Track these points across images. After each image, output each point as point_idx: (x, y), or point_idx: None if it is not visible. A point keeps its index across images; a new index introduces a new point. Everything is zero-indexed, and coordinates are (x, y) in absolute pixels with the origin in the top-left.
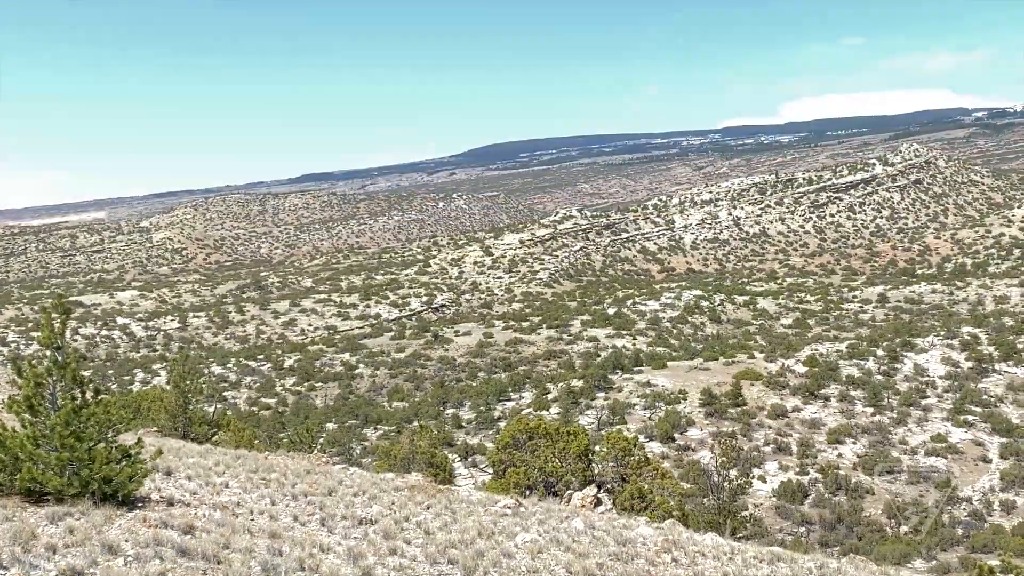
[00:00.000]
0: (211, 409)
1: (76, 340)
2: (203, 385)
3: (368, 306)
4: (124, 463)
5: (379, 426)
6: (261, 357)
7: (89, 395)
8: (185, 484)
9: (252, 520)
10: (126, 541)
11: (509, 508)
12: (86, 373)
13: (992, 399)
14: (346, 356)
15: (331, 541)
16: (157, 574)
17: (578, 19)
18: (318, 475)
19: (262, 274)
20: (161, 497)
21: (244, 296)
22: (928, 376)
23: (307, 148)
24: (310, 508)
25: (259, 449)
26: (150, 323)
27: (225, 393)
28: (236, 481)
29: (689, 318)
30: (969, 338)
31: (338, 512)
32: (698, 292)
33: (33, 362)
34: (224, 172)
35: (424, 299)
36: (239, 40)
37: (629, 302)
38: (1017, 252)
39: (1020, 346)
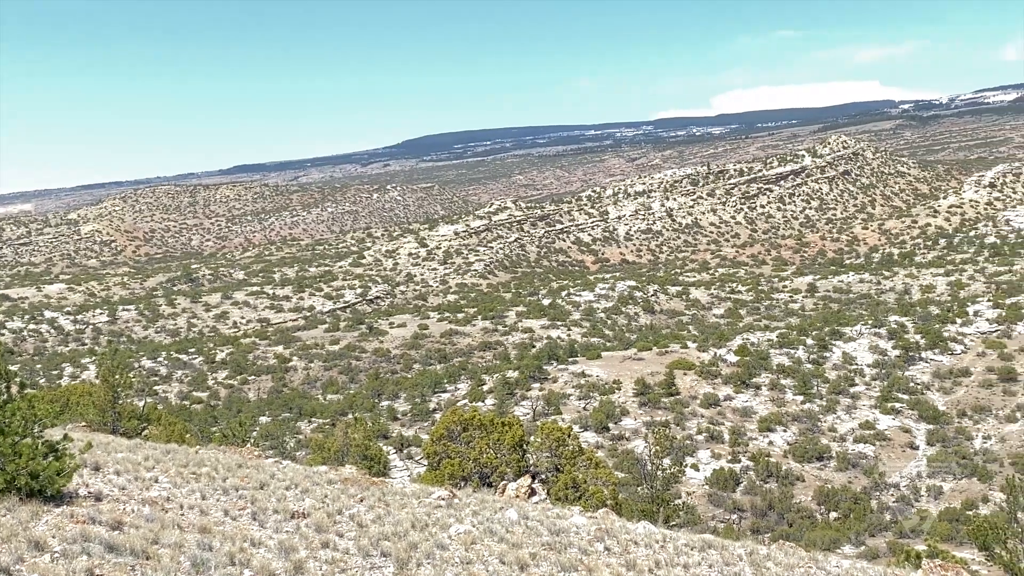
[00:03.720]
0: (141, 403)
1: (3, 334)
2: (133, 379)
3: (302, 298)
4: (51, 458)
5: (313, 419)
6: (192, 350)
7: (15, 389)
8: (114, 479)
9: (182, 515)
10: (53, 537)
11: (443, 500)
12: (12, 367)
13: (919, 386)
14: (279, 349)
15: (262, 535)
16: (84, 570)
17: (511, 11)
18: (250, 469)
19: (193, 266)
20: (89, 492)
21: (175, 289)
22: (856, 364)
23: (239, 139)
24: (241, 502)
25: (190, 443)
26: (79, 317)
27: (156, 387)
28: (166, 476)
29: (623, 308)
30: (896, 327)
31: (270, 506)
32: (632, 283)
33: None
34: (154, 163)
35: (358, 291)
36: (168, 30)
37: (564, 293)
38: (943, 242)
39: (946, 334)
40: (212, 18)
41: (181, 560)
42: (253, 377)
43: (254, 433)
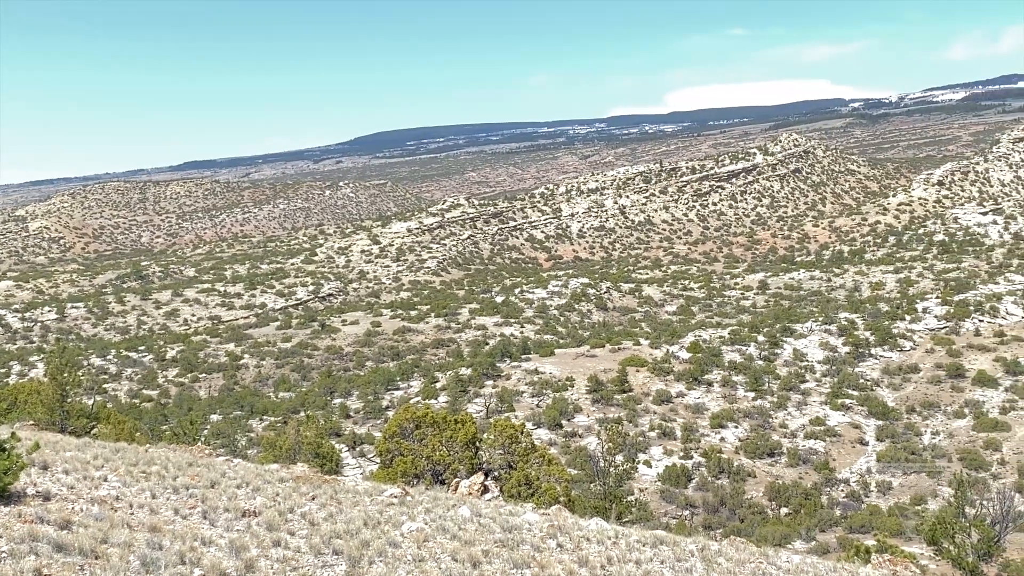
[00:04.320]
0: (90, 402)
1: None
2: (82, 377)
3: (253, 295)
4: None
5: (265, 417)
6: (142, 348)
7: None
8: (62, 478)
9: (132, 514)
10: (0, 537)
11: (396, 497)
12: None
13: (868, 383)
14: (231, 346)
15: (213, 534)
16: (32, 570)
17: (466, 7)
18: (200, 467)
19: (143, 263)
20: (37, 492)
21: (124, 286)
22: (807, 361)
23: (189, 135)
24: (192, 501)
25: (140, 442)
26: (27, 314)
27: (105, 385)
28: (115, 475)
29: (576, 305)
30: (846, 323)
31: (221, 504)
32: (585, 280)
33: None
34: (103, 159)
35: (311, 288)
36: (115, 24)
37: (517, 290)
38: (892, 239)
39: (895, 331)
40: (160, 11)
41: (131, 559)
42: (204, 375)
43: (205, 431)
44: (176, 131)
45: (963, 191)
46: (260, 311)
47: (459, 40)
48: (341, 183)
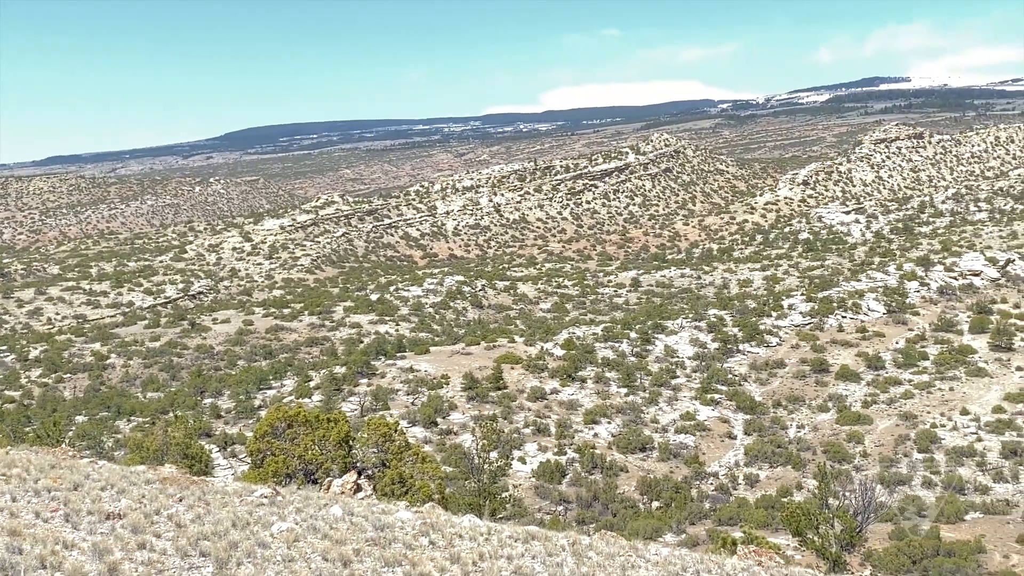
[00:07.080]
0: None
1: None
2: None
3: (120, 294)
4: None
5: (133, 418)
6: (4, 348)
7: None
8: None
9: None
10: None
11: (266, 497)
12: None
13: (737, 378)
14: (97, 346)
15: (76, 537)
16: None
17: (338, 1)
18: (64, 469)
19: (5, 261)
20: None
21: None
22: (678, 357)
23: (53, 129)
24: (54, 504)
25: (1, 444)
26: None
27: None
28: None
29: (451, 303)
30: (715, 320)
31: (84, 507)
32: (460, 277)
33: None
34: None
35: (180, 286)
36: None
37: (392, 288)
38: (759, 238)
39: (762, 327)
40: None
41: None
42: (69, 375)
43: (69, 433)
44: (38, 125)
45: (827, 191)
46: (127, 310)
47: (332, 35)
48: (212, 179)
